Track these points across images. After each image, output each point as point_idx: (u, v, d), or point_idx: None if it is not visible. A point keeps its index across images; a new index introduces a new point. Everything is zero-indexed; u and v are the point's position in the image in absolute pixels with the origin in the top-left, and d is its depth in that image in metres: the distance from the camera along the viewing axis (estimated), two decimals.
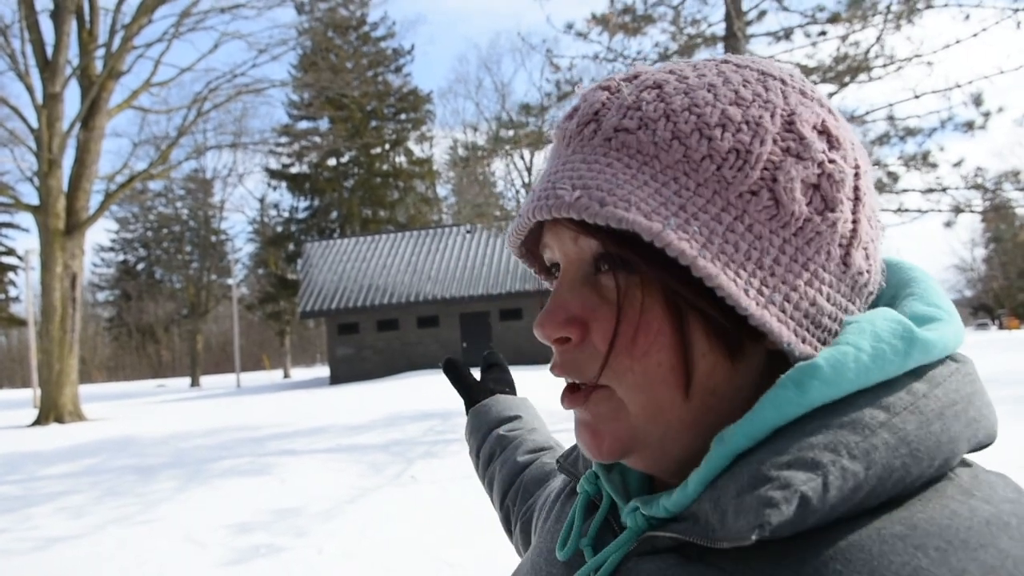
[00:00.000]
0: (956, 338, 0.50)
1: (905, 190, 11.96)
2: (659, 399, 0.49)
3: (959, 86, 10.33)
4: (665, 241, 0.45)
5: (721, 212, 0.47)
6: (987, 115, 10.62)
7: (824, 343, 0.50)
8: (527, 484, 0.91)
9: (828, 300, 0.50)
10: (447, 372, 1.08)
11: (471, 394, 1.07)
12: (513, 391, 1.10)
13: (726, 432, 0.47)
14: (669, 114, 0.49)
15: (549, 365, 0.54)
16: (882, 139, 12.26)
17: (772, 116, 0.49)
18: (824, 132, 0.51)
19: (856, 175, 0.51)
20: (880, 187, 12.08)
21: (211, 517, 6.56)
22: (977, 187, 11.37)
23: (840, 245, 0.50)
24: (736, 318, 0.48)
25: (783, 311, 0.48)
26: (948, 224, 11.63)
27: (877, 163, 12.52)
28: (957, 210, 11.25)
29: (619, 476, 0.58)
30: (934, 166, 11.67)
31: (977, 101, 10.53)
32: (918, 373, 0.47)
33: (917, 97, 10.55)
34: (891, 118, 11.70)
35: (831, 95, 11.59)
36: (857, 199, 0.51)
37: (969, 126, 10.74)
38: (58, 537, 6.27)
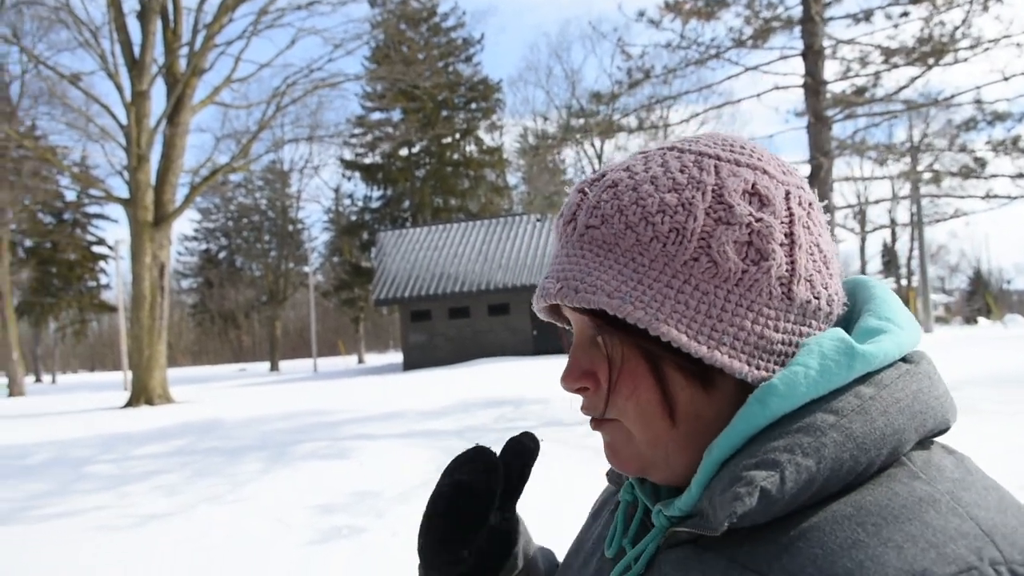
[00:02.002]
0: (899, 347, 0.61)
1: (994, 175, 11.52)
2: (654, 428, 0.63)
3: None
4: (624, 313, 0.59)
5: (671, 279, 0.60)
6: None
7: (782, 364, 0.60)
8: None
9: (776, 330, 0.60)
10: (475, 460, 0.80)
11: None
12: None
13: (713, 444, 0.60)
14: (622, 209, 0.62)
15: (580, 407, 0.68)
16: (968, 124, 11.82)
17: (703, 194, 0.61)
18: (754, 194, 0.62)
19: (790, 222, 0.62)
20: (966, 173, 11.66)
21: (295, 498, 6.85)
22: None
23: (781, 284, 0.60)
24: (698, 361, 0.60)
25: (733, 348, 0.59)
26: None
27: (963, 148, 12.08)
28: None
29: (651, 485, 0.70)
30: None
31: None
32: (868, 378, 0.59)
33: (1007, 79, 10.13)
34: (978, 102, 11.27)
35: (914, 79, 11.22)
36: (792, 243, 0.61)
37: None
38: (154, 514, 6.65)
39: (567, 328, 0.73)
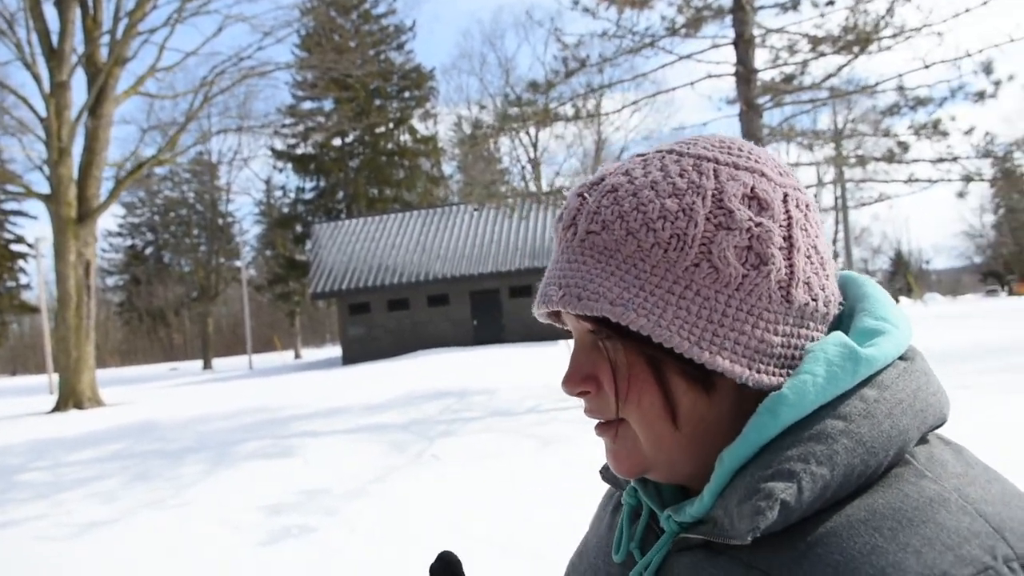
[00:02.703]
0: (897, 347, 0.62)
1: (915, 160, 11.95)
2: (657, 432, 0.63)
3: (969, 55, 10.29)
4: (627, 321, 0.59)
5: (673, 284, 0.60)
6: (998, 83, 10.58)
7: (783, 367, 0.61)
8: None
9: (775, 334, 0.61)
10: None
11: None
12: None
13: (724, 454, 0.60)
14: (622, 215, 0.61)
15: (584, 410, 0.68)
16: (892, 109, 12.23)
17: (703, 199, 0.61)
18: (753, 198, 0.62)
19: (788, 226, 0.62)
20: (889, 157, 12.08)
21: (241, 499, 6.72)
22: (988, 155, 11.35)
23: (780, 288, 0.61)
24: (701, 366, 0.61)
25: (735, 353, 0.59)
26: (961, 195, 11.65)
27: (887, 133, 12.51)
28: (968, 179, 11.25)
29: (654, 488, 0.70)
30: (945, 135, 11.64)
31: (987, 70, 10.49)
32: (870, 380, 0.60)
33: (927, 67, 10.51)
34: (901, 88, 11.66)
35: (841, 67, 11.55)
36: (791, 247, 0.61)
37: (980, 95, 10.70)
38: (93, 522, 6.44)
39: (566, 330, 0.72)
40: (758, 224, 0.60)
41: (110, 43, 18.43)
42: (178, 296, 54.71)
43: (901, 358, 0.63)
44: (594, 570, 0.75)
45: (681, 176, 0.62)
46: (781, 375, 0.61)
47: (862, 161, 12.99)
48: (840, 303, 0.67)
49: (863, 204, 29.01)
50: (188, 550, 5.44)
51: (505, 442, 8.10)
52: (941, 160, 11.59)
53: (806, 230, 0.63)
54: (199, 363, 51.70)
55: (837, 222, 46.17)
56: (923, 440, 0.61)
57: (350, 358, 26.55)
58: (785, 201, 0.62)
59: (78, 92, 18.64)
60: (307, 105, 45.57)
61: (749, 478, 0.57)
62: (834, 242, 50.71)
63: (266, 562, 5.03)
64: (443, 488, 6.51)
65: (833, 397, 0.58)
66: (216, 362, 51.37)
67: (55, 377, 27.06)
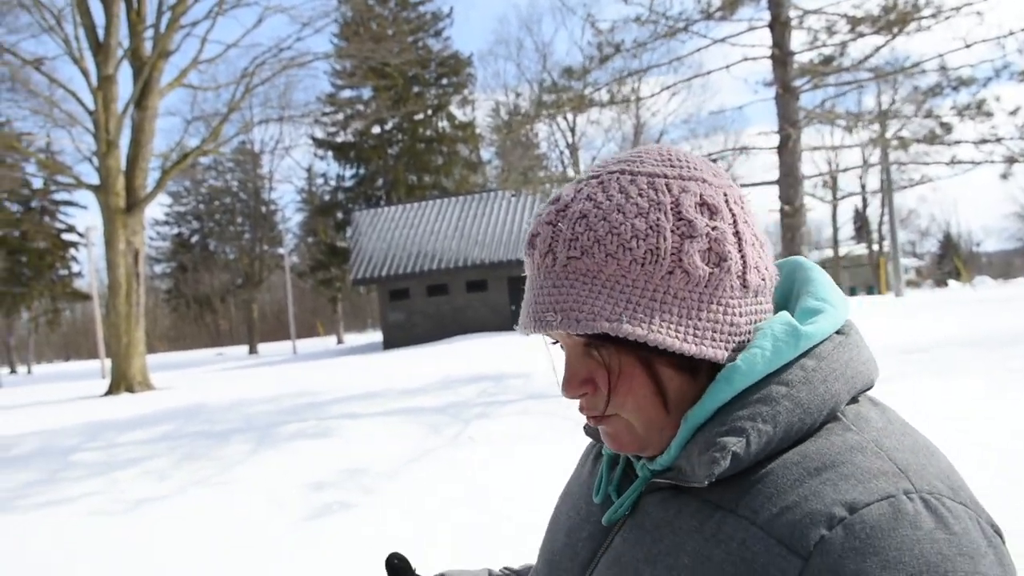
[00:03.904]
0: (834, 324, 0.74)
1: (958, 141, 11.74)
2: (651, 417, 0.74)
3: (1012, 34, 10.08)
4: (624, 333, 0.69)
5: (654, 293, 0.70)
6: None
7: (744, 344, 0.73)
8: None
9: (740, 316, 0.73)
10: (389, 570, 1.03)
11: None
12: None
13: (688, 414, 0.72)
14: (599, 240, 0.70)
15: (578, 408, 0.78)
16: (934, 90, 12.01)
17: (666, 214, 0.71)
18: (704, 204, 0.72)
19: (735, 223, 0.73)
20: (931, 139, 11.89)
21: (284, 477, 6.97)
22: None
23: (739, 277, 0.72)
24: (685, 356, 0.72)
25: (714, 340, 0.71)
26: (1004, 176, 11.42)
27: (929, 114, 12.30)
28: (1011, 160, 11.03)
29: None
30: (989, 115, 11.42)
31: None
32: (810, 352, 0.71)
33: (968, 46, 10.31)
34: (943, 68, 11.46)
35: (879, 48, 11.39)
36: (739, 241, 0.72)
37: None
38: (145, 499, 6.75)
39: (553, 342, 0.83)
40: (714, 228, 0.71)
41: (154, 37, 18.87)
42: (223, 283, 55.84)
43: (839, 332, 0.75)
44: (576, 509, 0.88)
45: (641, 196, 0.71)
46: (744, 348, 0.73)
47: (904, 143, 12.79)
48: (776, 276, 0.79)
49: (906, 187, 28.42)
50: (234, 524, 5.70)
51: (540, 424, 8.24)
52: (984, 141, 11.38)
53: (747, 222, 0.74)
54: (244, 348, 52.80)
55: (883, 204, 45.31)
56: (854, 400, 0.73)
57: (390, 343, 26.93)
58: (727, 201, 0.74)
59: (124, 85, 19.18)
60: (346, 94, 46.04)
61: (708, 434, 0.70)
62: (880, 225, 49.70)
63: (308, 536, 5.25)
64: (478, 468, 6.68)
65: (779, 367, 0.70)
66: (261, 347, 52.39)
67: (107, 362, 27.93)
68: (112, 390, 17.95)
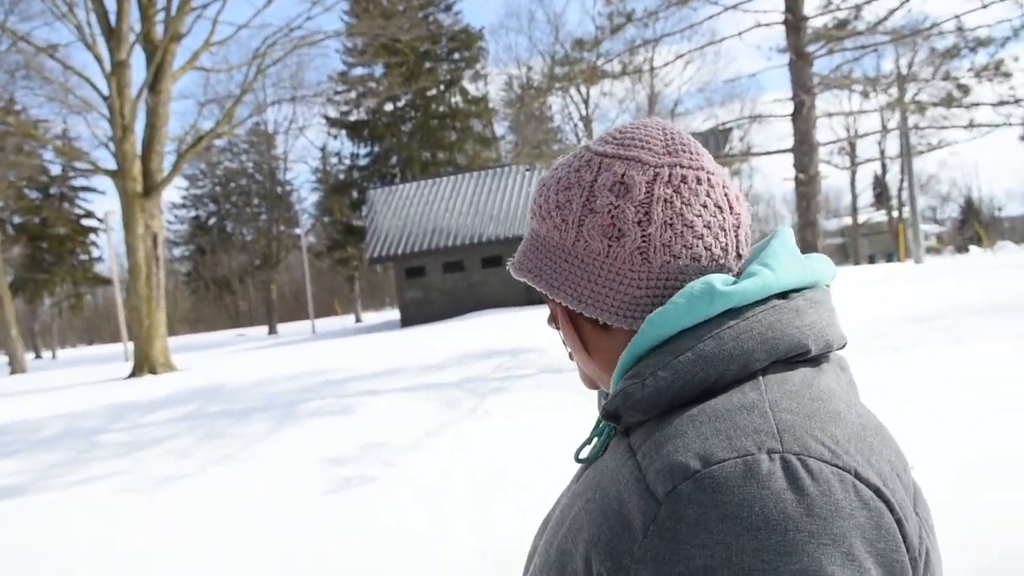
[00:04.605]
0: (763, 287, 0.75)
1: (976, 104, 11.57)
2: (583, 358, 0.87)
3: None
4: (539, 286, 0.83)
5: (564, 258, 0.81)
6: None
7: (652, 309, 0.78)
8: None
9: (639, 288, 0.78)
10: None
11: None
12: None
13: (617, 366, 0.78)
14: (540, 206, 0.84)
15: None
16: (952, 51, 11.82)
17: (582, 191, 0.80)
18: (621, 183, 0.79)
19: (648, 203, 0.77)
20: (948, 102, 11.72)
21: (305, 453, 7.09)
22: None
23: (639, 253, 0.77)
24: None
25: (608, 305, 0.79)
26: (1023, 139, 11.25)
27: (946, 77, 12.12)
28: None
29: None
30: (1008, 76, 11.24)
31: None
32: (737, 312, 0.73)
33: (985, 6, 10.13)
34: (960, 29, 11.26)
35: (893, 10, 11.20)
36: (648, 220, 0.77)
37: None
38: (170, 476, 6.89)
39: None
40: (616, 207, 0.78)
41: (165, 20, 18.87)
42: (242, 264, 56.22)
43: (781, 296, 0.76)
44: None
45: (575, 172, 0.82)
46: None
47: (921, 107, 12.62)
48: (739, 255, 0.81)
49: (924, 151, 28.10)
50: (257, 499, 5.81)
51: (555, 397, 8.30)
52: (1003, 103, 11.21)
53: (670, 203, 0.77)
54: (264, 329, 53.25)
55: (902, 170, 44.75)
56: (795, 362, 0.75)
57: (407, 320, 27.07)
58: (653, 182, 0.78)
59: (138, 70, 19.22)
60: (358, 71, 45.88)
61: (623, 379, 0.76)
62: (899, 190, 49.05)
63: (330, 508, 5.35)
64: (495, 440, 6.76)
65: (696, 323, 0.73)
66: (280, 327, 52.83)
67: (130, 345, 28.28)
68: (135, 372, 18.21)
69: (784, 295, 0.77)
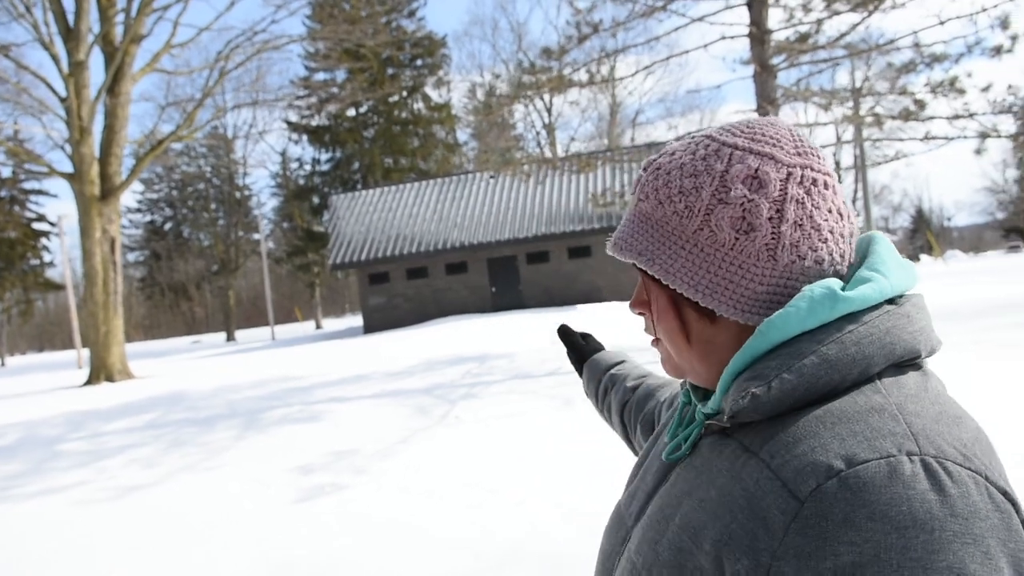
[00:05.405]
0: (879, 293, 0.77)
1: (931, 117, 11.89)
2: (679, 346, 0.86)
3: (985, 10, 10.21)
4: (649, 268, 0.81)
5: (683, 244, 0.81)
6: (1015, 38, 10.49)
7: (771, 308, 0.78)
8: (638, 400, 1.32)
9: (760, 284, 0.78)
10: (561, 337, 1.50)
11: (581, 352, 1.49)
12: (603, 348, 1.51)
13: (729, 365, 0.79)
14: (657, 189, 0.83)
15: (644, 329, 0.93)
16: (908, 66, 12.15)
17: (712, 180, 0.79)
18: (755, 178, 0.78)
19: (782, 200, 0.78)
20: (906, 115, 12.03)
21: (274, 461, 7.00)
22: (1006, 110, 11.28)
23: (767, 249, 0.77)
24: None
25: (723, 295, 0.79)
26: (978, 151, 11.59)
27: (903, 91, 12.44)
28: (984, 135, 11.21)
29: (701, 392, 0.91)
30: (962, 92, 11.58)
31: (1004, 24, 10.41)
32: (855, 317, 0.75)
33: (942, 23, 10.44)
34: (917, 45, 11.59)
35: (855, 25, 11.48)
36: (781, 218, 0.77)
37: (996, 50, 10.62)
38: (135, 486, 6.75)
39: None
40: (750, 200, 0.77)
41: (125, 21, 18.54)
42: (199, 270, 55.30)
43: (891, 302, 0.78)
44: (655, 449, 0.98)
45: (703, 160, 0.81)
46: (767, 314, 0.78)
47: (878, 120, 12.94)
48: (850, 263, 0.82)
49: (880, 163, 28.87)
50: (226, 507, 5.72)
51: (526, 403, 8.32)
52: (957, 117, 11.54)
53: (802, 203, 0.79)
54: (222, 335, 52.40)
55: (856, 180, 45.72)
56: (902, 369, 0.77)
57: (371, 327, 26.89)
58: (787, 180, 0.79)
59: (96, 71, 18.80)
60: (320, 76, 45.53)
61: (741, 381, 0.76)
62: (853, 200, 50.10)
63: (301, 517, 5.29)
64: (467, 446, 6.75)
65: (815, 326, 0.75)
66: (238, 334, 52.02)
67: (84, 352, 27.60)
68: (92, 380, 17.80)
69: (891, 300, 0.79)
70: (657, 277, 0.81)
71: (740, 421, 0.77)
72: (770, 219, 0.77)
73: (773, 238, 0.77)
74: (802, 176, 0.80)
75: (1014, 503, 0.68)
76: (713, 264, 0.78)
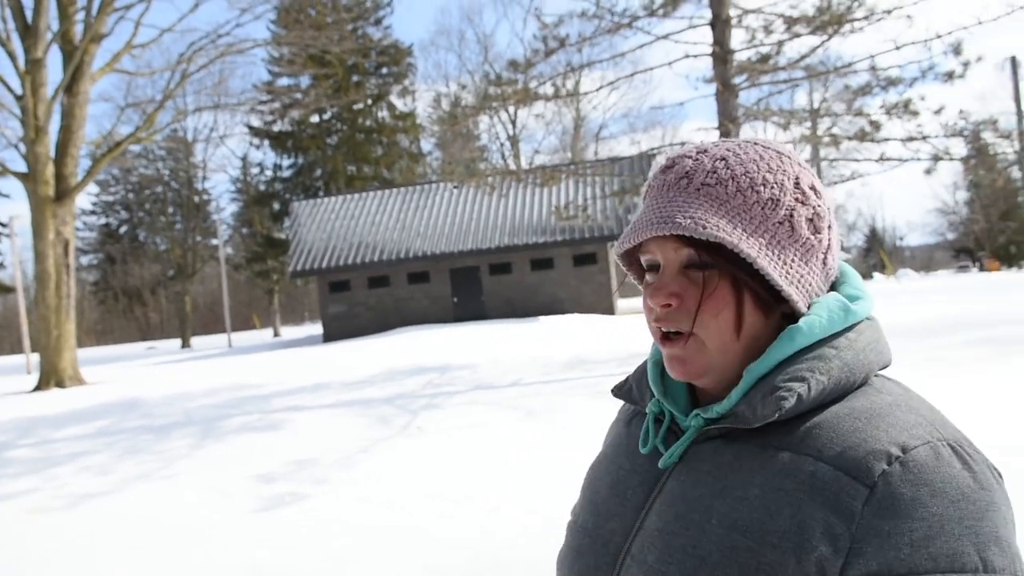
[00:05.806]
0: (867, 310, 0.88)
1: (886, 139, 12.22)
2: (725, 340, 0.84)
3: (939, 36, 10.55)
4: (739, 249, 0.80)
5: (764, 232, 0.83)
6: (966, 64, 10.86)
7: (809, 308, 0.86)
8: None
9: (813, 283, 0.86)
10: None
11: None
12: None
13: (751, 366, 0.83)
14: (734, 176, 0.84)
15: (653, 319, 0.87)
16: (864, 89, 12.47)
17: (788, 179, 0.86)
18: (813, 188, 0.87)
19: (830, 211, 0.88)
20: (861, 136, 12.34)
21: (232, 470, 6.90)
22: (957, 134, 11.65)
23: (824, 253, 0.87)
24: (770, 293, 0.84)
25: (798, 287, 0.84)
26: (928, 172, 11.95)
27: (859, 113, 12.77)
28: (936, 158, 11.55)
29: (672, 400, 0.92)
30: (915, 114, 11.92)
31: (956, 51, 10.77)
32: (850, 328, 0.85)
33: (898, 48, 10.76)
34: (873, 68, 11.92)
35: (815, 48, 11.77)
36: (831, 227, 0.88)
37: (949, 75, 10.98)
38: (88, 494, 6.61)
39: (635, 276, 0.94)
40: (819, 205, 0.86)
41: (85, 19, 18.20)
42: (154, 275, 54.24)
43: (868, 319, 0.89)
44: (617, 465, 0.96)
45: (771, 160, 0.86)
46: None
47: (835, 140, 13.25)
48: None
49: (836, 182, 29.48)
50: (184, 517, 5.63)
51: (489, 414, 8.33)
52: (911, 139, 11.87)
53: (834, 223, 0.89)
54: (176, 342, 51.36)
55: None
56: (876, 376, 0.87)
57: (330, 335, 26.63)
58: (827, 195, 0.89)
59: (54, 70, 18.46)
60: (284, 82, 45.10)
61: (771, 382, 0.81)
62: None
63: (261, 526, 5.23)
64: (429, 456, 6.74)
65: (829, 335, 0.83)
66: (194, 340, 51.06)
67: (33, 357, 26.88)
68: (41, 385, 17.35)
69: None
70: (746, 259, 0.80)
71: (759, 423, 0.80)
72: (828, 227, 0.87)
73: (828, 244, 0.87)
74: (831, 199, 0.89)
75: (1001, 475, 0.80)
76: (790, 257, 0.83)
